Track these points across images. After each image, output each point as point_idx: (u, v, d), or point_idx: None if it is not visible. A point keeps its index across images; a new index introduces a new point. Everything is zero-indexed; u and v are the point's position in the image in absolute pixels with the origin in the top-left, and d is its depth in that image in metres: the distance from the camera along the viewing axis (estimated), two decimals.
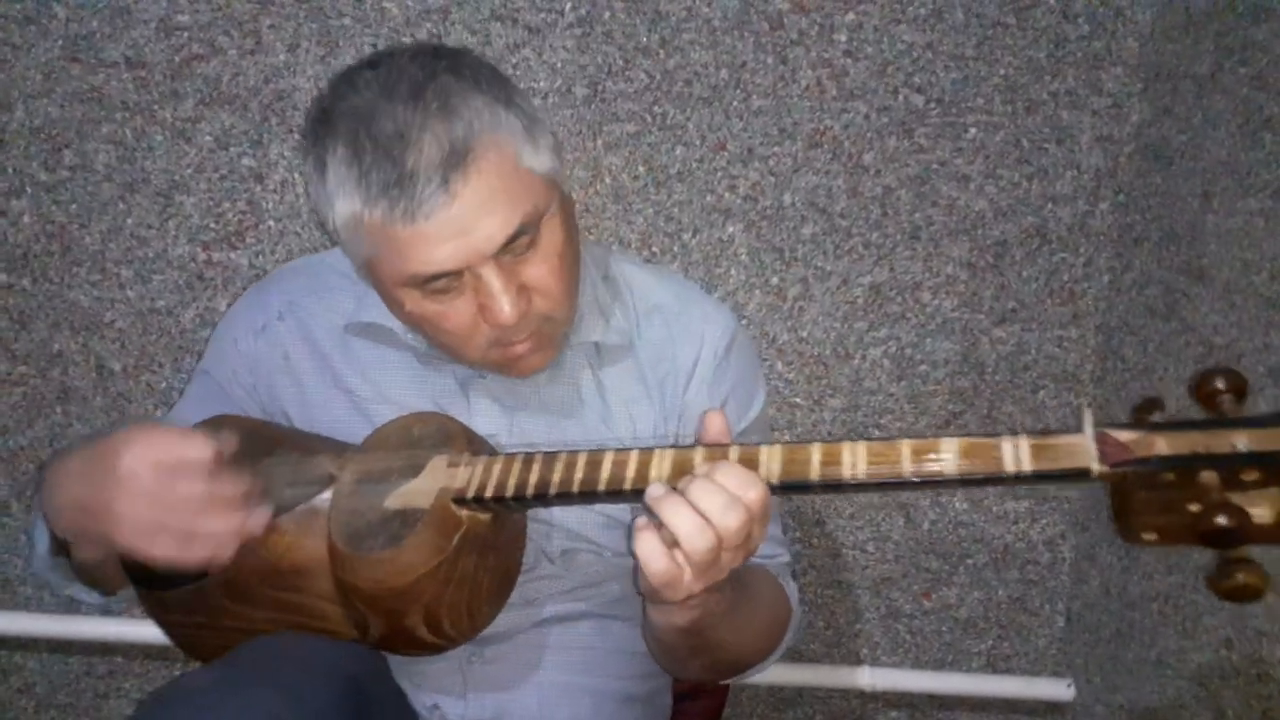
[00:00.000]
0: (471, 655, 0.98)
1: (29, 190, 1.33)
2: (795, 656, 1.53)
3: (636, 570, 0.76)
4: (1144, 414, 0.67)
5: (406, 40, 1.29)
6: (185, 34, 1.28)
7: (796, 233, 1.37)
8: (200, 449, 0.79)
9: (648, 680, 1.06)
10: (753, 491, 0.72)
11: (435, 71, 0.84)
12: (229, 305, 1.37)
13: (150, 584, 0.89)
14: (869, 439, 0.72)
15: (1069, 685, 1.50)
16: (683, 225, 1.36)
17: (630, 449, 0.78)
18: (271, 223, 1.35)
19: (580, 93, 1.31)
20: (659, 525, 0.73)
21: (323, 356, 1.01)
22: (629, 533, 0.77)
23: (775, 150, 1.34)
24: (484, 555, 0.84)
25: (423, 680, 0.99)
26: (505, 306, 0.85)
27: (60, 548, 0.87)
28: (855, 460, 0.70)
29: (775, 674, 1.51)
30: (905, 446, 0.70)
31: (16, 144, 1.32)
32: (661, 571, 0.73)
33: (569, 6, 1.28)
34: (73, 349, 1.39)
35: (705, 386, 1.01)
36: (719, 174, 1.34)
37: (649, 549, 0.73)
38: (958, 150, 1.34)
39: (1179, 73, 1.25)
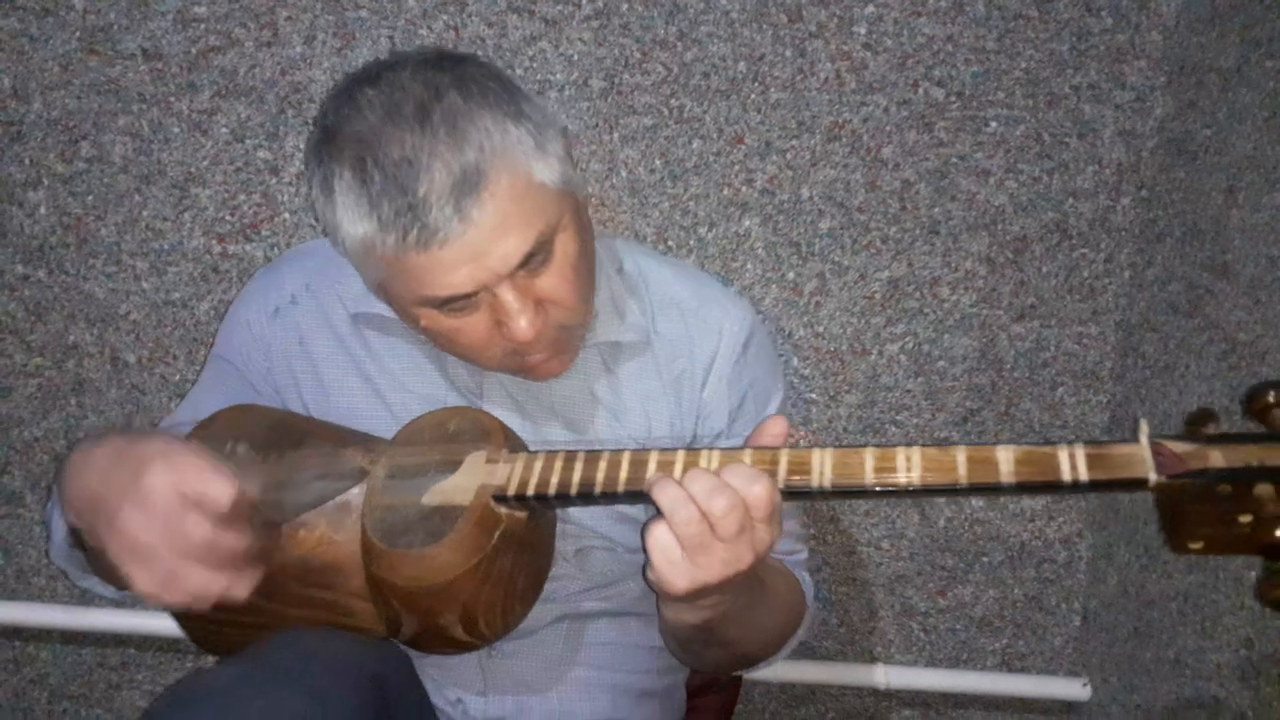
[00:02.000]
0: (490, 651, 0.97)
1: (46, 182, 1.33)
2: (808, 654, 1.52)
3: (646, 562, 0.76)
4: (1197, 426, 0.68)
5: (424, 33, 1.28)
6: (202, 26, 1.28)
7: (814, 227, 1.36)
8: (222, 491, 0.75)
9: (664, 675, 1.06)
10: (756, 486, 0.71)
11: (440, 90, 0.82)
12: None
13: None
14: (923, 445, 0.72)
15: (1085, 685, 1.49)
16: (699, 219, 1.35)
17: (676, 449, 0.77)
18: (287, 215, 1.35)
19: (597, 85, 1.30)
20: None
21: (339, 341, 1.00)
22: (642, 528, 0.77)
23: (793, 144, 1.33)
24: (520, 554, 0.84)
25: (443, 676, 0.98)
26: (523, 324, 0.84)
27: (77, 538, 0.87)
28: (910, 466, 0.71)
29: (788, 671, 1.51)
30: (961, 453, 0.70)
31: (34, 135, 1.32)
32: (659, 540, 0.73)
33: None
34: (88, 341, 1.39)
35: (723, 383, 1.00)
36: (736, 167, 1.33)
37: (658, 536, 0.74)
38: (978, 144, 1.33)
39: (1204, 66, 1.24)
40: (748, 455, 0.75)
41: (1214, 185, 1.21)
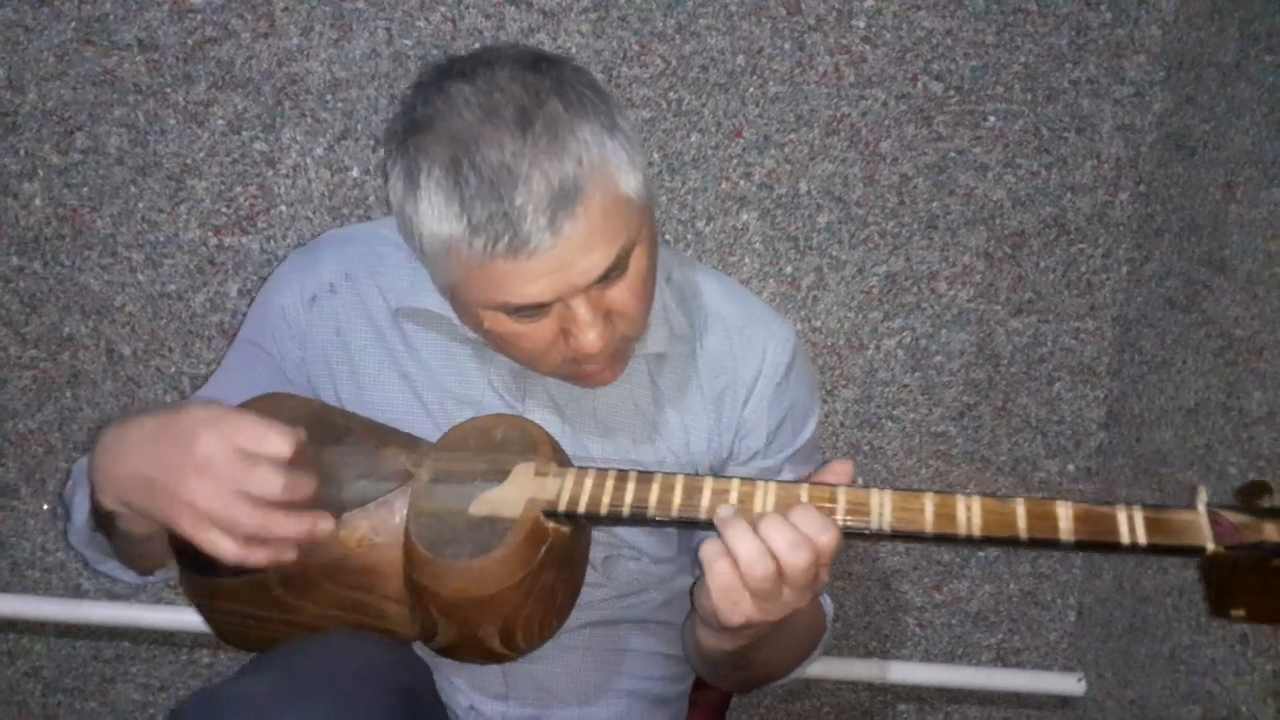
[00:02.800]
0: None
1: (40, 173, 1.33)
2: None
3: (696, 586, 0.76)
4: (1251, 497, 0.71)
5: (421, 25, 1.28)
6: (198, 16, 1.27)
7: (812, 221, 1.36)
8: (282, 442, 0.74)
9: (678, 682, 1.06)
10: (825, 536, 0.72)
11: (540, 95, 0.80)
12: (240, 290, 1.37)
13: (200, 569, 0.85)
14: (982, 494, 0.73)
15: (1080, 680, 1.49)
16: (697, 213, 1.35)
17: (731, 478, 0.78)
18: (283, 207, 1.34)
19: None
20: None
21: (378, 334, 0.97)
22: (696, 550, 0.77)
23: (791, 137, 1.32)
24: (562, 569, 0.83)
25: (461, 680, 0.97)
26: (592, 337, 0.83)
27: (99, 522, 0.84)
28: (970, 516, 0.72)
29: None
30: (1020, 506, 0.72)
31: (29, 126, 1.31)
32: (723, 574, 0.72)
33: None
34: (83, 333, 1.39)
35: (764, 404, 0.99)
36: (734, 161, 1.33)
37: (714, 551, 0.73)
38: (976, 139, 1.33)
39: (1203, 61, 1.23)
40: (804, 491, 0.76)
41: (1212, 180, 1.21)
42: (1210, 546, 0.68)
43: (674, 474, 0.79)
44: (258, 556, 0.75)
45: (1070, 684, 1.49)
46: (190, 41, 1.28)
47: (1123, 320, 1.39)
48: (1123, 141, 1.33)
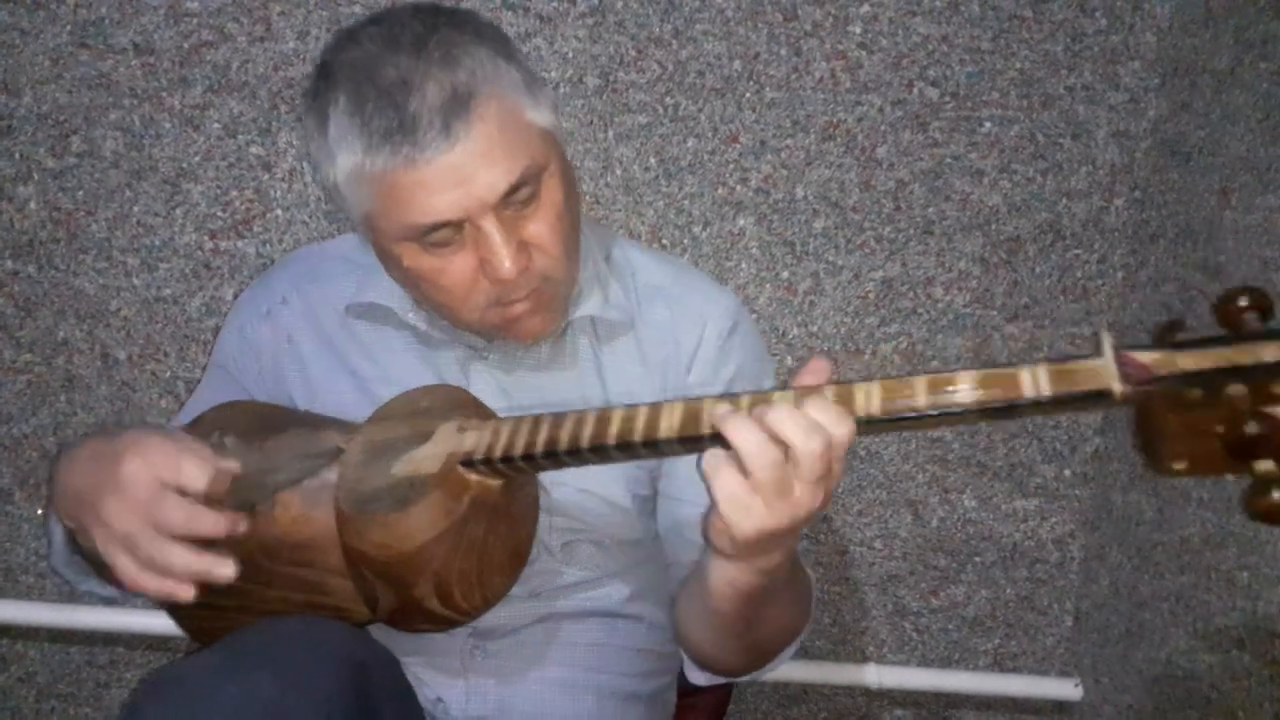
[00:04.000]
0: (474, 648, 0.97)
1: (36, 177, 1.33)
2: (801, 653, 1.50)
3: (706, 514, 0.73)
4: (1166, 335, 0.65)
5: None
6: (194, 20, 1.27)
7: (808, 226, 1.36)
8: (197, 474, 0.76)
9: (651, 679, 1.05)
10: (844, 427, 0.68)
11: (437, 24, 0.85)
12: (236, 294, 1.36)
13: None
14: (882, 378, 0.70)
15: (1076, 685, 1.49)
16: (694, 218, 1.35)
17: (638, 405, 0.76)
18: (279, 211, 1.34)
19: (592, 83, 1.29)
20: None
21: (327, 338, 1.01)
22: (699, 466, 0.72)
23: (788, 143, 1.32)
24: (494, 523, 0.83)
25: (426, 674, 0.98)
26: (505, 260, 0.84)
27: (75, 543, 0.86)
28: (869, 398, 0.69)
29: (781, 670, 1.50)
30: (921, 381, 0.68)
31: (24, 130, 1.31)
32: (728, 481, 0.68)
33: None
34: (78, 337, 1.38)
35: (709, 367, 0.99)
36: (731, 166, 1.33)
37: (715, 459, 0.69)
38: (972, 145, 1.33)
39: (1197, 67, 1.24)
40: (745, 400, 0.71)
41: (1207, 187, 1.22)
42: (1118, 387, 0.63)
43: (585, 410, 0.78)
44: (151, 585, 0.77)
45: (1067, 689, 1.49)
46: (186, 45, 1.28)
47: (1118, 326, 1.39)
48: (1118, 147, 1.33)
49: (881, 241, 1.37)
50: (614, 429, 0.75)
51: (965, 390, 0.67)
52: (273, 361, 1.02)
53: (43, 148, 1.31)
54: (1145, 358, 0.63)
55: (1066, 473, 1.46)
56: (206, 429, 0.92)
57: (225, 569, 0.77)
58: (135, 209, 1.34)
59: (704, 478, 0.70)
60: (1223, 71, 1.19)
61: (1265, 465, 0.61)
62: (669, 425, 0.73)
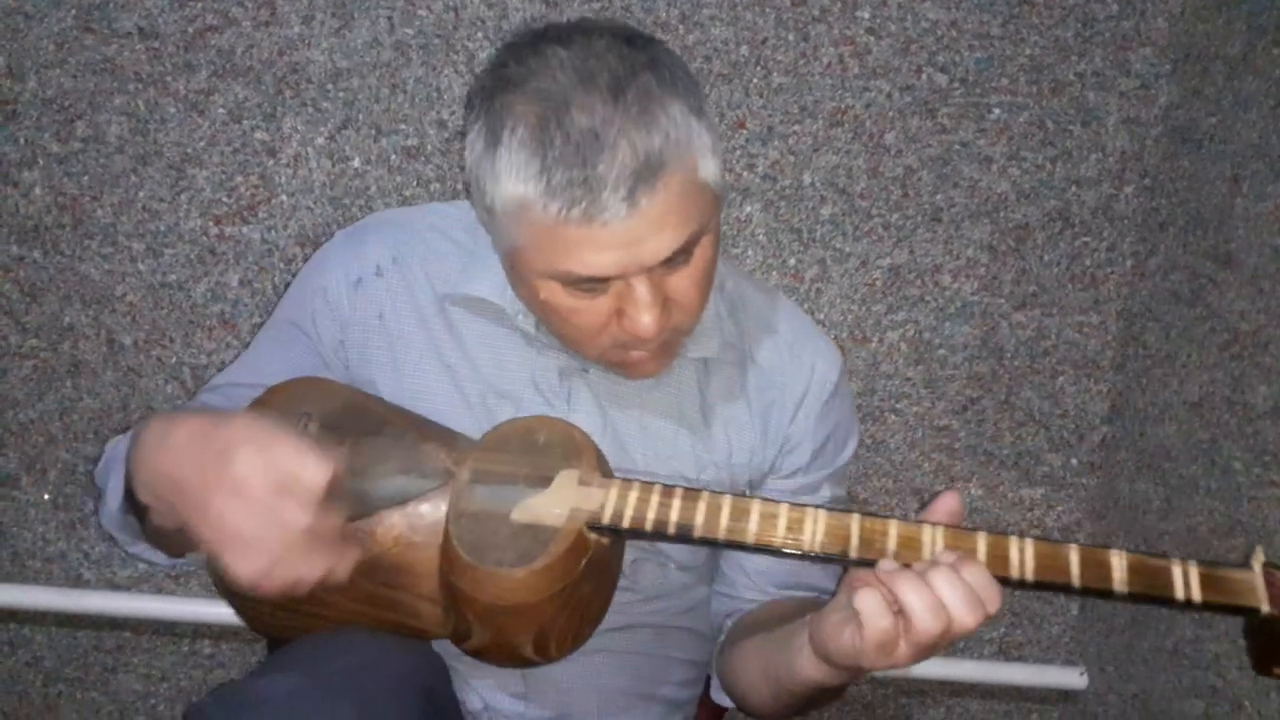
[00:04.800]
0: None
1: (41, 162, 1.32)
2: None
3: (823, 627, 0.74)
4: None
5: (423, 14, 1.27)
6: (199, 5, 1.27)
7: (815, 213, 1.35)
8: (320, 472, 0.72)
9: (690, 687, 1.07)
10: (994, 602, 0.70)
11: (635, 67, 0.79)
12: (241, 280, 1.36)
13: None
14: (1036, 539, 0.73)
15: (1082, 674, 1.48)
16: None
17: (779, 502, 0.77)
18: (284, 197, 1.34)
19: None
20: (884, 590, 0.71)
21: (423, 321, 0.95)
22: (843, 586, 0.75)
23: (795, 129, 1.32)
24: (600, 580, 0.83)
25: (479, 681, 0.97)
26: (649, 321, 0.81)
27: (133, 506, 0.83)
28: (1024, 559, 0.72)
29: None
30: (1074, 553, 0.72)
31: (29, 115, 1.30)
32: (883, 630, 0.70)
33: None
34: (83, 322, 1.38)
35: (812, 421, 0.98)
36: (738, 152, 1.32)
37: (874, 605, 0.70)
38: (981, 131, 1.32)
39: (1209, 54, 1.23)
40: (894, 528, 0.75)
41: (1218, 174, 1.21)
42: (1265, 609, 0.68)
43: (720, 493, 0.78)
44: (270, 586, 0.74)
45: (1072, 678, 1.49)
46: (191, 29, 1.27)
47: (1127, 314, 1.39)
48: (1128, 134, 1.32)
49: (889, 229, 1.36)
50: (752, 527, 0.76)
51: (1117, 575, 0.71)
52: (359, 335, 0.95)
53: (47, 133, 1.31)
54: None
55: (1073, 461, 1.45)
56: (288, 407, 0.87)
57: (341, 572, 0.76)
58: (140, 194, 1.33)
59: (858, 613, 0.71)
60: (1235, 57, 1.18)
61: None
62: (811, 536, 0.75)
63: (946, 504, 0.76)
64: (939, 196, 1.35)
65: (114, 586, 1.49)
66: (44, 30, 1.27)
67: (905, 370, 1.42)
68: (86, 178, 1.33)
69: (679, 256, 0.81)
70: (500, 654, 0.84)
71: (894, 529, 0.74)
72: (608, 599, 0.87)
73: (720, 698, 1.02)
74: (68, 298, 1.38)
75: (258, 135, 1.31)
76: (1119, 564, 0.70)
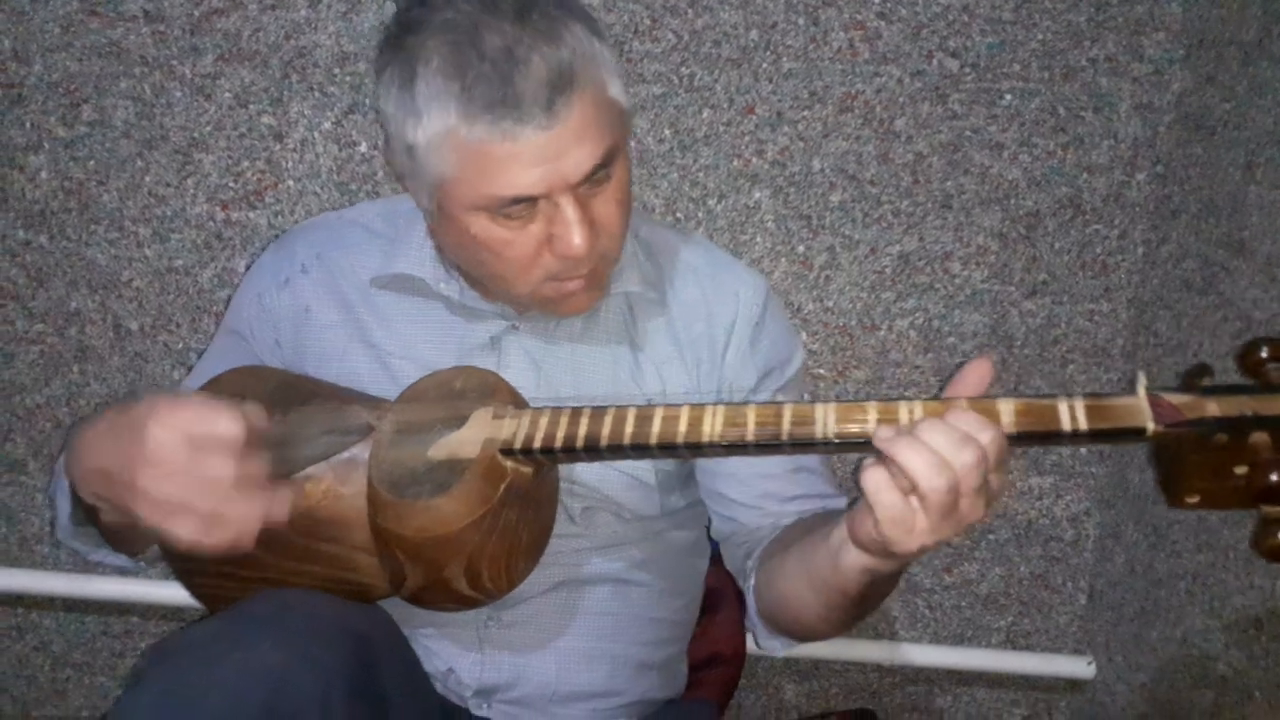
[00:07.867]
0: (489, 619, 0.97)
1: (47, 146, 1.32)
2: None
3: (859, 515, 0.73)
4: (1194, 380, 0.70)
5: None
6: None
7: (825, 200, 1.34)
8: (232, 424, 0.74)
9: (663, 648, 1.05)
10: (986, 434, 0.69)
11: None
12: (248, 265, 1.36)
13: None
14: (923, 400, 0.73)
15: (1090, 663, 1.48)
16: (708, 190, 1.34)
17: (680, 405, 0.78)
18: (291, 182, 1.33)
19: None
20: (889, 465, 0.70)
21: (347, 309, 1.00)
22: (856, 477, 0.73)
23: (805, 114, 1.31)
24: (525, 509, 0.84)
25: (437, 645, 0.98)
26: (578, 238, 0.85)
27: (85, 514, 0.86)
28: (913, 417, 0.72)
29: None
30: (962, 403, 0.72)
31: (34, 99, 1.30)
32: (891, 504, 0.69)
33: None
34: (90, 307, 1.38)
35: (746, 345, 1.01)
36: (747, 138, 1.32)
37: (879, 481, 0.70)
38: (992, 117, 1.31)
39: (1224, 39, 1.21)
40: (871, 409, 0.74)
41: (1232, 161, 1.20)
42: (1151, 426, 0.68)
43: (626, 406, 0.80)
44: (216, 539, 0.75)
45: (1080, 667, 1.49)
46: (197, 13, 1.27)
47: (1138, 302, 1.38)
48: (1141, 121, 1.31)
49: (899, 215, 1.35)
50: (655, 429, 0.77)
51: (1005, 419, 0.71)
52: (290, 330, 1.01)
53: (53, 117, 1.31)
54: (1177, 400, 0.69)
55: (1082, 450, 1.45)
56: (225, 392, 0.90)
57: (280, 509, 0.77)
58: (147, 179, 1.33)
59: (864, 495, 0.71)
60: (1250, 43, 1.17)
61: (1275, 510, 0.67)
62: (711, 429, 0.76)
63: (978, 370, 0.74)
64: (949, 183, 1.34)
65: (122, 571, 1.48)
66: (49, 13, 1.27)
67: (914, 358, 1.41)
68: (92, 162, 1.32)
69: (599, 171, 0.85)
70: (437, 593, 0.86)
71: (873, 410, 0.74)
72: (541, 531, 0.89)
73: (768, 643, 1.01)
74: (74, 283, 1.37)
75: (264, 120, 1.31)
76: (1006, 409, 0.71)
